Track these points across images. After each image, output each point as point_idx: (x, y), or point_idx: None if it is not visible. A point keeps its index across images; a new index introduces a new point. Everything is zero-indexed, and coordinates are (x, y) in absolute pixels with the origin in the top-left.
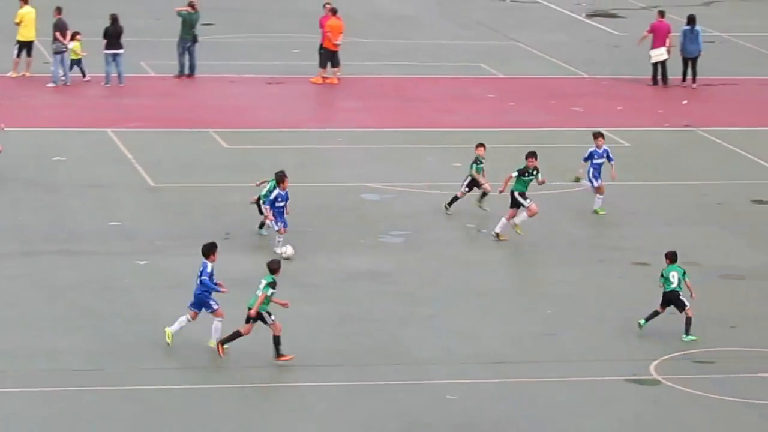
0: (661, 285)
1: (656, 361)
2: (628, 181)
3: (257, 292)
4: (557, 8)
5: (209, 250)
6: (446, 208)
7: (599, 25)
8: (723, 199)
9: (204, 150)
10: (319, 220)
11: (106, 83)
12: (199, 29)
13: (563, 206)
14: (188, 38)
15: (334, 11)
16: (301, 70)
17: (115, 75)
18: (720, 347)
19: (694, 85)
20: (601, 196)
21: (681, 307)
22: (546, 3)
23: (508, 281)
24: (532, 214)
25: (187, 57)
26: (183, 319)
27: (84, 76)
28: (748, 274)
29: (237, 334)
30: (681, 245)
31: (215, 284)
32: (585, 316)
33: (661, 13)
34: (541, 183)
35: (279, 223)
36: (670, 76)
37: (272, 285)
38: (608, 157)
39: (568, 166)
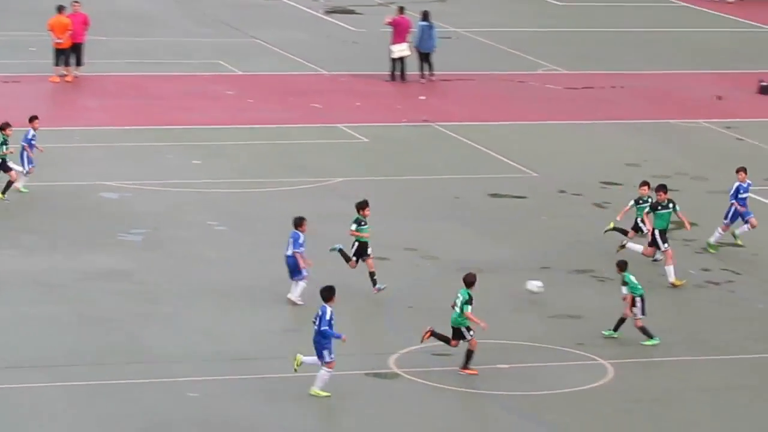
0: (628, 293)
1: (395, 355)
2: (368, 176)
3: (456, 308)
4: (296, 5)
5: (331, 293)
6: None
7: (337, 22)
8: (460, 193)
9: None
10: (57, 219)
11: None
12: None
13: (311, 202)
14: None
15: (60, 9)
16: (38, 68)
17: None
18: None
19: (433, 78)
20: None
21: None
22: (285, 0)
23: (248, 278)
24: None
25: None
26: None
27: None
28: (485, 267)
29: (447, 340)
30: (419, 239)
31: (336, 334)
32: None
33: (401, 9)
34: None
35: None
36: (407, 72)
37: (470, 302)
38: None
39: (308, 162)
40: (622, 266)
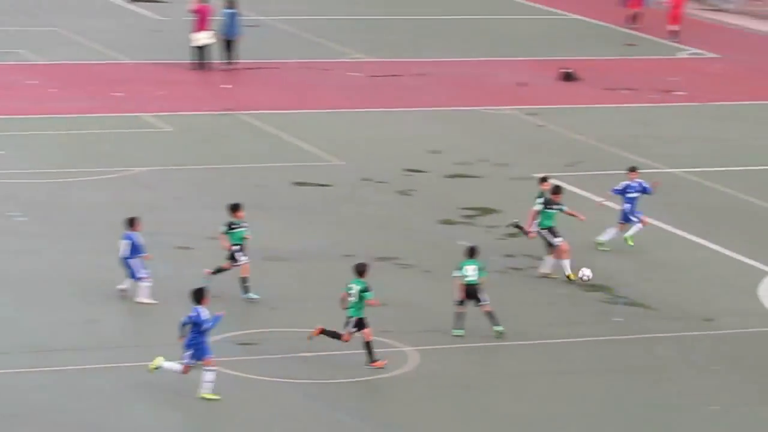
0: (459, 278)
1: None
2: (171, 165)
3: (351, 298)
4: None
5: (203, 295)
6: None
7: (140, 10)
8: (264, 182)
9: None
10: None
11: None
12: None
13: (114, 192)
14: None
15: None
16: None
17: None
18: (262, 328)
19: (236, 66)
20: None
21: (478, 300)
22: None
23: (50, 269)
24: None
25: None
26: (177, 367)
27: None
28: (289, 256)
29: (337, 337)
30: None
31: (217, 317)
32: (126, 302)
33: None
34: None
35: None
36: (211, 60)
37: (369, 289)
38: (644, 190)
39: (111, 152)
40: (467, 253)
